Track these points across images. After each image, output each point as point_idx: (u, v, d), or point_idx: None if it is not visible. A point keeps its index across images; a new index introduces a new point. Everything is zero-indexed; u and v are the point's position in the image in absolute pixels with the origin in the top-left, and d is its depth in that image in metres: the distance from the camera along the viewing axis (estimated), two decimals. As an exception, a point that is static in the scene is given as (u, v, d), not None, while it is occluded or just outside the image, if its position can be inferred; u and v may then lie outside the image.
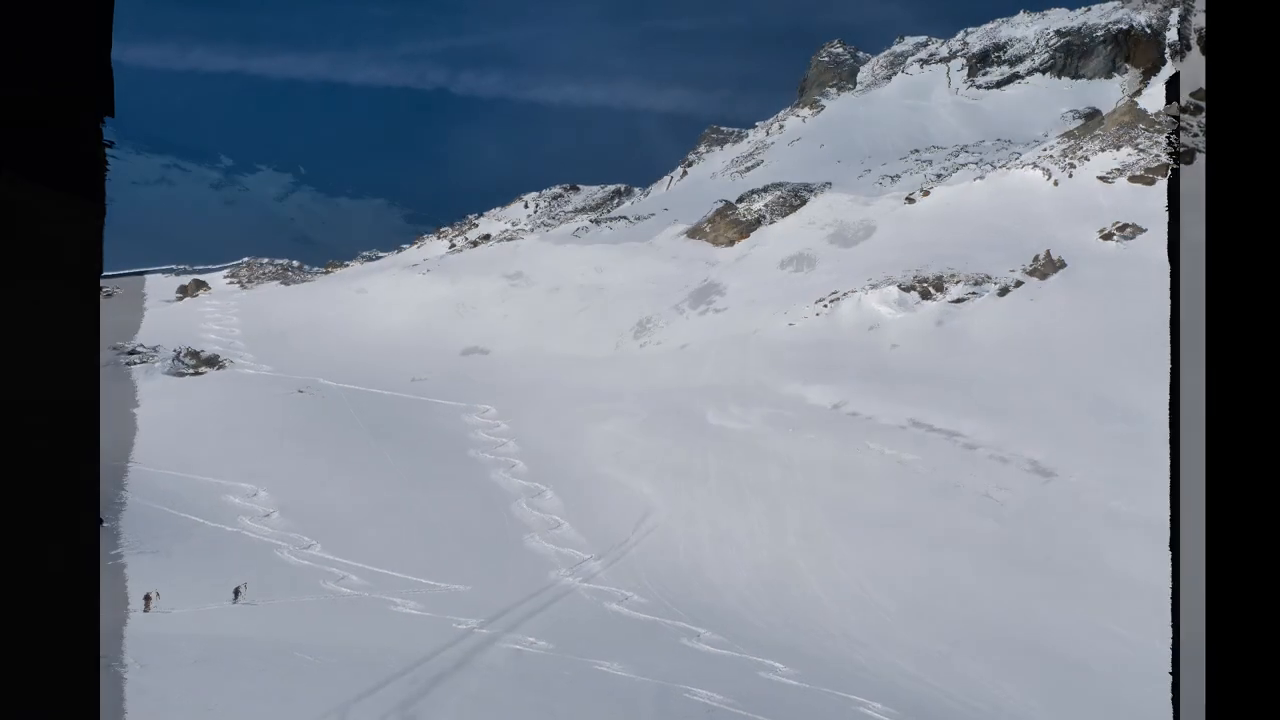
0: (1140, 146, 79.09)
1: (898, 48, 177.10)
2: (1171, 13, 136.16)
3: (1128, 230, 68.09)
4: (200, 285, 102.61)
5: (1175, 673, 3.65)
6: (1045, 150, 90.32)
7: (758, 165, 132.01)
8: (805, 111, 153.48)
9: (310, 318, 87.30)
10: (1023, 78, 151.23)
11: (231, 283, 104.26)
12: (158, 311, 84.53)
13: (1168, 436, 3.74)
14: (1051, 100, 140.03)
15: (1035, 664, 25.99)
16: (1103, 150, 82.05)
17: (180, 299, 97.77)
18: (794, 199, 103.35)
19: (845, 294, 69.80)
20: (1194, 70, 3.55)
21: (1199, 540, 3.32)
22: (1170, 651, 3.73)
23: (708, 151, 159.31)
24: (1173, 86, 4.02)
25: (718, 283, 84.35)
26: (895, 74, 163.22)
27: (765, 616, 29.45)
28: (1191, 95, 3.71)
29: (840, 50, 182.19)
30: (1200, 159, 3.69)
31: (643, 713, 18.77)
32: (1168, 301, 3.76)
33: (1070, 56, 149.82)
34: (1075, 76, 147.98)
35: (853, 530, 36.08)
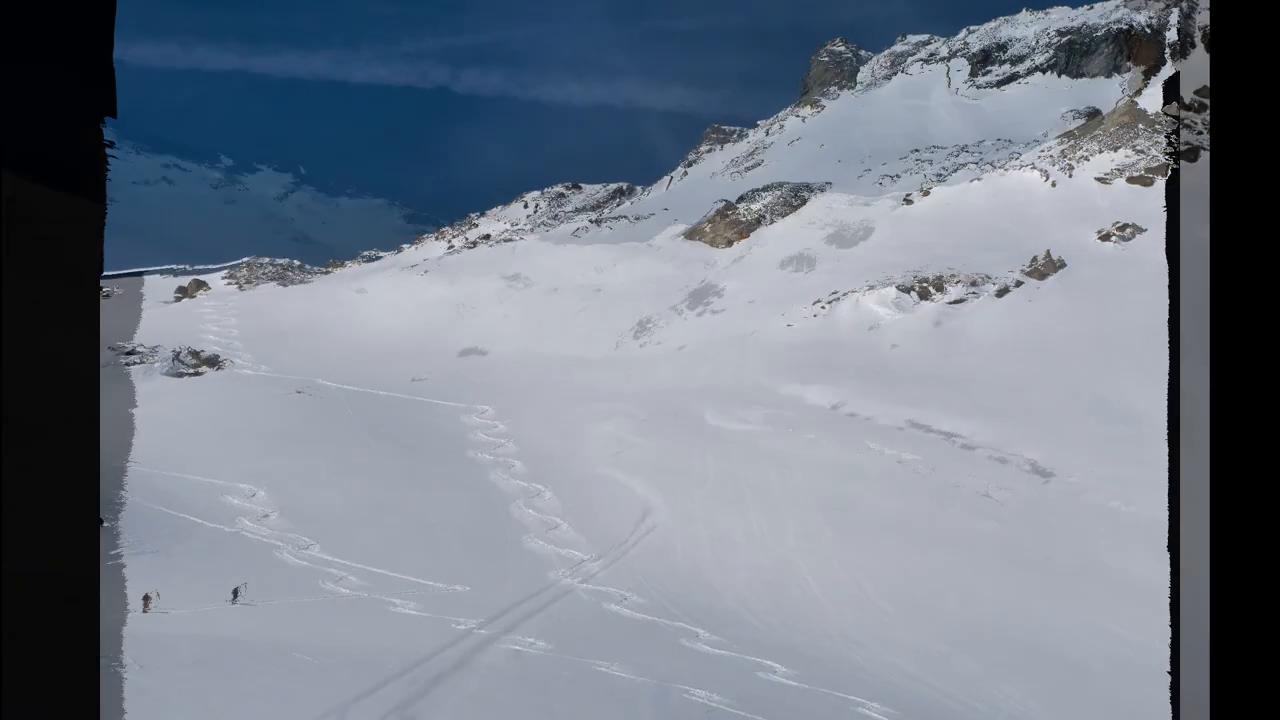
0: (1138, 148, 79.13)
1: (898, 47, 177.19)
2: (1172, 12, 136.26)
3: (1127, 230, 68.12)
4: (200, 285, 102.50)
5: (1175, 672, 3.65)
6: (1044, 151, 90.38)
7: (758, 165, 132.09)
8: (805, 111, 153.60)
9: (309, 318, 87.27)
10: (1023, 77, 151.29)
11: (230, 284, 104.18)
12: (155, 313, 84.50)
13: (1167, 436, 3.74)
14: (1052, 100, 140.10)
15: (1034, 664, 26.00)
16: (1101, 151, 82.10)
17: (179, 299, 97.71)
18: (794, 199, 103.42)
19: (844, 294, 69.82)
20: (1197, 68, 3.55)
21: (1198, 540, 3.32)
22: (1169, 651, 3.73)
23: (709, 151, 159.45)
24: (1172, 87, 4.02)
25: (717, 283, 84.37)
26: (896, 74, 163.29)
27: (764, 617, 29.45)
28: (1196, 93, 3.71)
29: (842, 49, 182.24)
30: (1203, 157, 3.69)
31: (642, 713, 18.77)
32: (1166, 302, 3.76)
33: (1072, 55, 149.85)
34: (1077, 75, 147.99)
35: (852, 531, 36.09)
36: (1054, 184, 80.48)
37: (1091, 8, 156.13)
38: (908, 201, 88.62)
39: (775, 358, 62.28)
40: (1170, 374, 3.67)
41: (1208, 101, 3.43)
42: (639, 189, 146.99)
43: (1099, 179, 78.18)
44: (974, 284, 66.38)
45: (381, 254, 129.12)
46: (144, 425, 42.40)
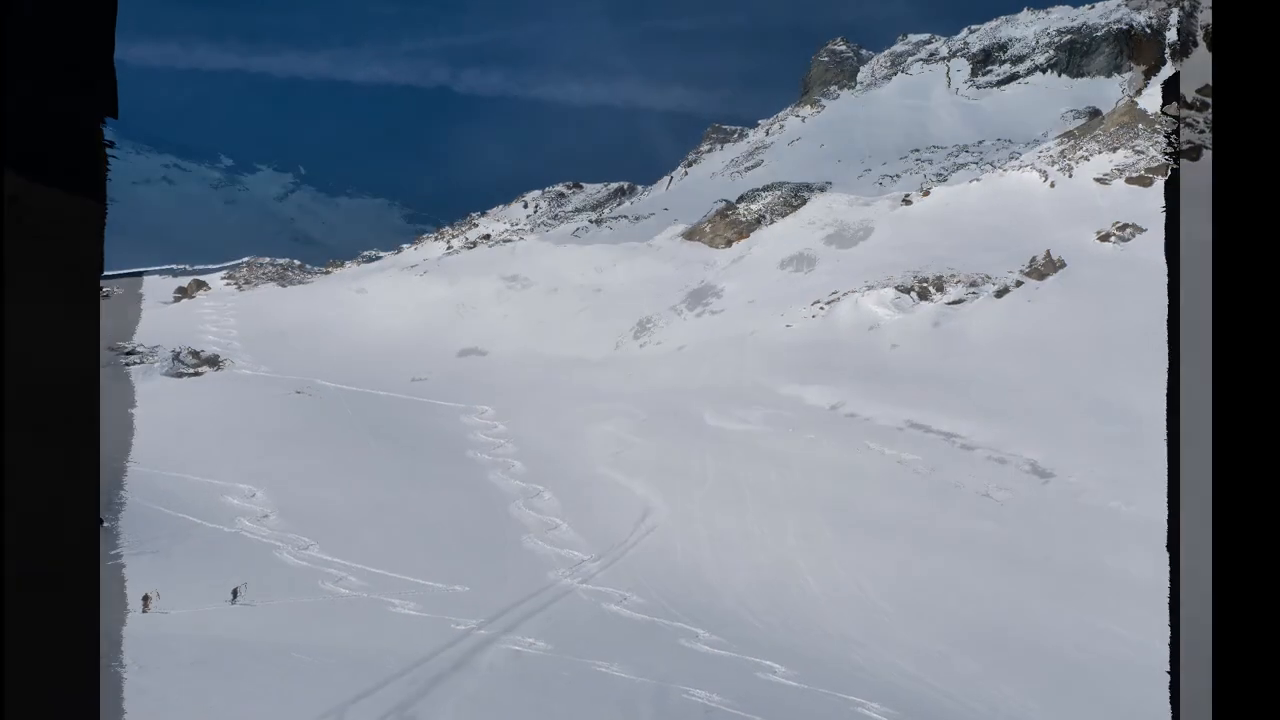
0: (1137, 148, 79.16)
1: (899, 47, 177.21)
2: (1172, 12, 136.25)
3: (1127, 231, 68.14)
4: (200, 285, 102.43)
5: (1174, 672, 3.65)
6: (1042, 151, 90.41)
7: (758, 165, 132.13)
8: (805, 111, 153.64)
9: (308, 319, 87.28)
10: (1023, 77, 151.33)
11: (229, 284, 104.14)
12: (154, 313, 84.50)
13: (1166, 436, 3.74)
14: (1052, 100, 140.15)
15: (1033, 664, 26.01)
16: (1101, 151, 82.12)
17: (178, 300, 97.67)
18: (794, 199, 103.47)
19: (843, 295, 69.84)
20: (1198, 67, 3.55)
21: (1197, 540, 3.32)
22: (1169, 651, 3.73)
23: (710, 150, 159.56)
24: (1171, 87, 4.02)
25: (716, 283, 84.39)
26: (896, 74, 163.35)
27: (763, 617, 29.44)
28: (1198, 91, 3.71)
29: (843, 48, 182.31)
30: (1204, 156, 3.69)
31: (641, 713, 18.77)
32: (1165, 302, 3.76)
33: (1074, 54, 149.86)
34: (1078, 75, 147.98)
35: (851, 531, 36.10)
36: (1052, 184, 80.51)
37: (1092, 7, 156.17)
38: (907, 202, 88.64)
39: (775, 358, 62.30)
40: (1169, 374, 3.67)
41: (1210, 100, 3.43)
42: (640, 188, 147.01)
43: (1098, 179, 78.21)
44: (973, 284, 66.39)
45: (381, 254, 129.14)
46: (144, 425, 42.38)
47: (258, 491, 38.20)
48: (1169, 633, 3.75)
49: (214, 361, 69.28)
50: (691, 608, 29.27)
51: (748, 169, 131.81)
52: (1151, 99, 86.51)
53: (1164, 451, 3.89)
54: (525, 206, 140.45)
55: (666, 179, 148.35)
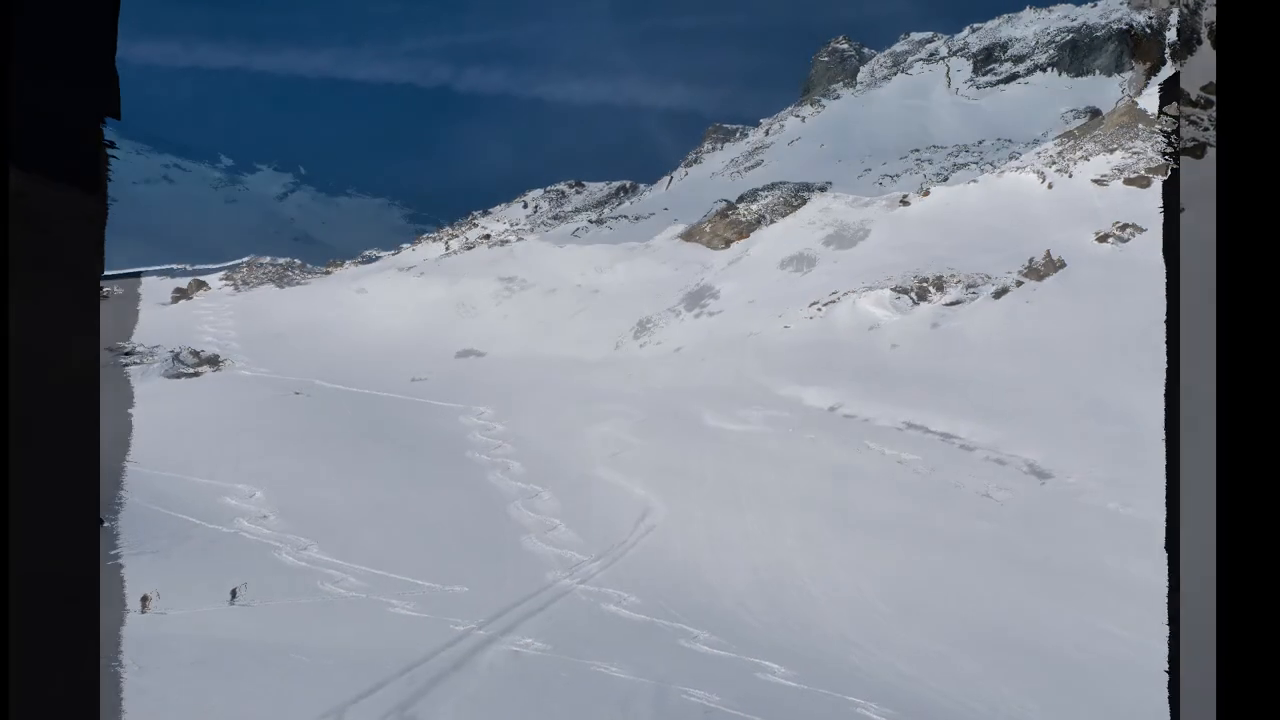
0: (1135, 150, 79.18)
1: (900, 46, 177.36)
2: (1172, 11, 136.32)
3: (1126, 231, 68.15)
4: (200, 286, 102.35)
5: (1173, 672, 3.65)
6: (1041, 152, 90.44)
7: (758, 165, 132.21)
8: (805, 111, 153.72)
9: (307, 319, 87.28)
10: (1024, 77, 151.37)
11: (227, 285, 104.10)
12: (152, 314, 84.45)
13: (1165, 437, 3.74)
14: (1053, 99, 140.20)
15: (1033, 664, 26.01)
16: (1101, 151, 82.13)
17: (176, 301, 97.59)
18: (794, 199, 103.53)
19: (842, 295, 69.85)
20: (1202, 64, 3.55)
21: (1196, 540, 3.32)
22: (1168, 651, 3.74)
23: (711, 150, 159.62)
24: (1170, 86, 4.02)
25: (715, 284, 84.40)
26: (896, 73, 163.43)
27: (762, 617, 29.44)
28: (1202, 89, 3.71)
29: (845, 47, 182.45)
30: (1207, 155, 3.69)
31: (640, 713, 18.77)
32: (1164, 302, 3.76)
33: (1076, 53, 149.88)
34: (1081, 74, 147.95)
35: (850, 531, 36.09)
36: (1050, 185, 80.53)
37: (1094, 6, 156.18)
38: (905, 203, 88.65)
39: (774, 359, 62.31)
40: (1169, 374, 3.68)
41: (1214, 97, 3.42)
42: (642, 187, 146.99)
43: (1097, 180, 78.23)
44: (972, 285, 66.40)
45: (380, 254, 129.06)
46: (143, 426, 42.38)
47: (257, 492, 38.21)
48: (1168, 633, 3.75)
49: (213, 362, 69.29)
50: (690, 608, 29.27)
51: (748, 169, 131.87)
52: (1152, 99, 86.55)
53: (1163, 452, 3.89)
54: (526, 206, 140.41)
55: (667, 178, 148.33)
